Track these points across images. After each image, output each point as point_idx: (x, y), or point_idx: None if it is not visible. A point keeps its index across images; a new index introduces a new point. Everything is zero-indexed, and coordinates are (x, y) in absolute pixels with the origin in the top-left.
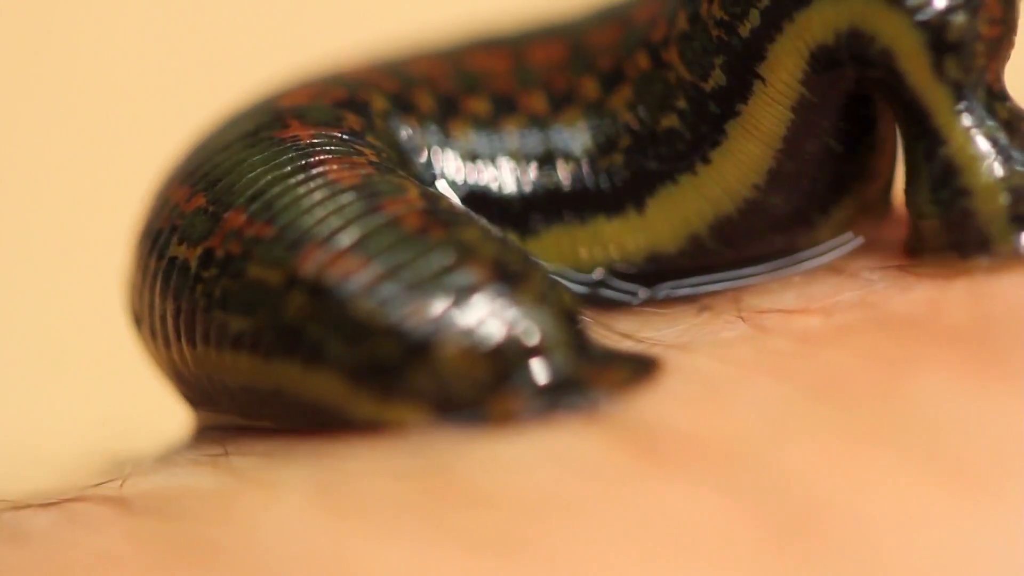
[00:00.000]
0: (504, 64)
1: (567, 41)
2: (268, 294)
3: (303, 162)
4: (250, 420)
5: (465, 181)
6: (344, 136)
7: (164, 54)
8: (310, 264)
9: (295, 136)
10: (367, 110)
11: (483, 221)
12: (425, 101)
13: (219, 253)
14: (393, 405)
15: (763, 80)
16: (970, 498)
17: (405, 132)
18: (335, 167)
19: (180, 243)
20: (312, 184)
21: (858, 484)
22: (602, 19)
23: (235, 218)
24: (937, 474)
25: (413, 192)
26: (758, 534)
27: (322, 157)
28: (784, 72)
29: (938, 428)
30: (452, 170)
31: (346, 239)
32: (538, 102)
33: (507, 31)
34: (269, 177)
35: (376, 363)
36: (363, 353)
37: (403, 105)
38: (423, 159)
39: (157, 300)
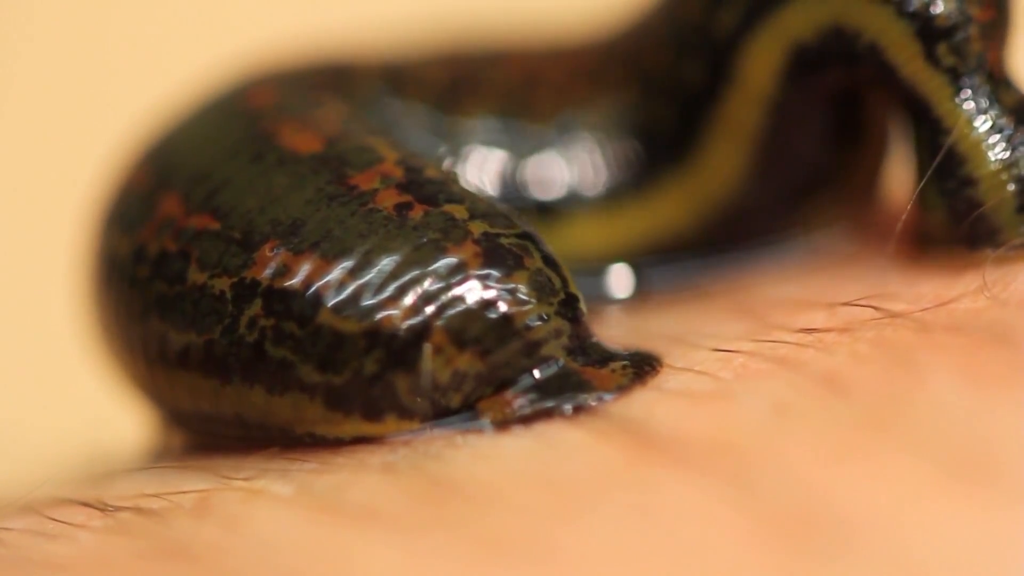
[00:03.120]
0: (518, 68)
1: (577, 49)
2: (213, 304)
3: (258, 132)
4: (216, 440)
5: (460, 167)
6: (314, 95)
7: (145, 36)
8: (265, 269)
9: (258, 105)
10: (352, 78)
11: (470, 189)
12: (432, 80)
13: (152, 248)
14: (381, 422)
15: (741, 78)
16: (981, 499)
17: (396, 109)
18: (294, 129)
19: (121, 231)
20: (267, 158)
21: (865, 483)
22: (597, 33)
23: (171, 204)
24: (948, 474)
25: (390, 159)
26: (761, 534)
27: (282, 122)
28: (758, 71)
29: (948, 427)
30: (448, 155)
31: (307, 231)
32: (544, 103)
33: (520, 46)
34: (216, 152)
35: (357, 382)
36: (340, 376)
37: (400, 82)
38: (415, 139)
39: (102, 300)
